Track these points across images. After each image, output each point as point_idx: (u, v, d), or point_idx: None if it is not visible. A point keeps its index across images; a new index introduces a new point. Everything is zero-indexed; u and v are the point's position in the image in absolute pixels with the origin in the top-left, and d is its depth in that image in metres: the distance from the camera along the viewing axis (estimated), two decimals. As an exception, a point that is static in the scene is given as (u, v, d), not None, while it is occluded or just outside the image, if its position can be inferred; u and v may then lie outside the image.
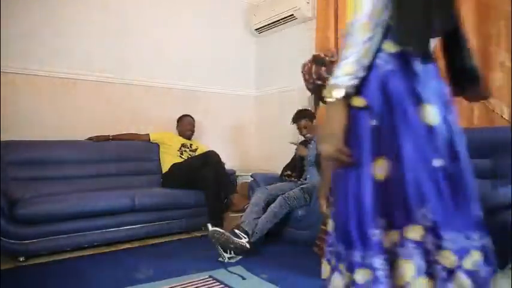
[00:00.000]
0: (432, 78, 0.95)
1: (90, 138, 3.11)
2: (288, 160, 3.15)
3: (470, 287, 0.90)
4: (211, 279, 1.91)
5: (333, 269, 1.00)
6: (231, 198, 3.02)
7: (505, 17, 2.28)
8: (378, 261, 0.90)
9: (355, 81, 0.90)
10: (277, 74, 4.09)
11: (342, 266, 0.96)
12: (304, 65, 1.76)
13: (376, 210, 0.92)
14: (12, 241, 2.22)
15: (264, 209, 2.56)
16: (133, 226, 2.65)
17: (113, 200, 2.57)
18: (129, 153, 3.20)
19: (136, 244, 2.64)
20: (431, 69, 0.96)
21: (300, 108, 3.09)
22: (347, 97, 0.91)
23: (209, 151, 3.06)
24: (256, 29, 4.09)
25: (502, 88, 2.31)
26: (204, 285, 1.84)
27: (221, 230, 2.24)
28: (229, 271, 2.02)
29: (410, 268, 0.89)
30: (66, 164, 2.87)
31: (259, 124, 4.33)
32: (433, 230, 0.90)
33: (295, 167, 3.01)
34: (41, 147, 2.80)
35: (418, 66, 0.93)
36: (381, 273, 0.89)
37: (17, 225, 2.23)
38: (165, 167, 3.20)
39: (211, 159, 2.96)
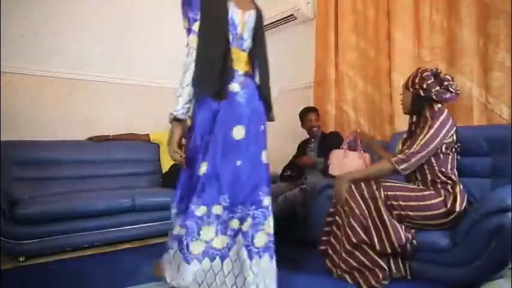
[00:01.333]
0: (250, 104, 1.48)
1: (90, 138, 3.11)
2: (288, 160, 3.15)
3: (243, 241, 1.43)
4: (211, 279, 1.91)
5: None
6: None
7: (505, 17, 2.28)
8: (189, 224, 1.43)
9: (185, 111, 1.44)
10: (277, 74, 4.07)
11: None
12: (424, 70, 1.93)
13: (194, 194, 1.43)
14: (12, 241, 2.22)
15: (264, 209, 2.56)
16: (133, 226, 2.65)
17: (113, 200, 2.57)
18: (129, 153, 3.20)
19: (136, 244, 2.64)
20: (251, 96, 1.50)
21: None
22: (180, 120, 1.46)
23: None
24: (256, 29, 4.09)
25: (502, 88, 2.31)
26: (204, 285, 1.83)
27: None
28: (229, 271, 2.02)
29: (212, 230, 1.46)
30: (66, 164, 2.87)
31: (259, 124, 4.32)
32: (229, 208, 1.46)
33: (295, 167, 3.01)
34: (41, 147, 2.80)
35: (240, 98, 1.46)
36: (191, 231, 1.43)
37: (17, 225, 2.23)
38: (165, 167, 3.20)
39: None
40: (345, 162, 2.44)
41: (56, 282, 1.94)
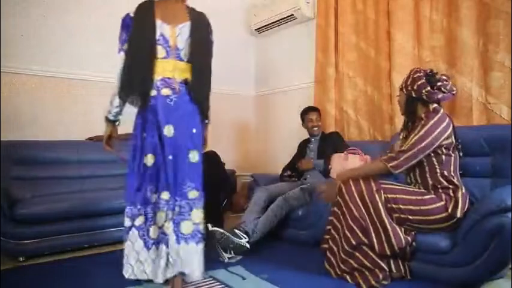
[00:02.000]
0: (179, 107, 1.68)
1: (90, 138, 3.11)
2: (288, 160, 3.15)
3: (172, 226, 1.63)
4: (211, 279, 1.91)
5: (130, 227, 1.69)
6: (231, 198, 3.01)
7: (504, 17, 2.28)
8: (148, 210, 1.67)
9: (115, 114, 1.75)
10: (277, 74, 4.09)
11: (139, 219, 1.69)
12: (416, 71, 1.90)
13: (147, 182, 1.66)
14: (12, 241, 2.22)
15: (264, 209, 2.56)
16: (134, 226, 2.65)
17: (112, 200, 2.56)
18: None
19: (136, 244, 2.63)
20: (182, 100, 1.69)
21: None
22: (110, 121, 1.78)
23: (209, 151, 3.06)
24: (256, 29, 4.09)
25: (502, 88, 2.31)
26: (204, 285, 1.84)
27: (221, 230, 2.23)
28: (229, 271, 2.02)
29: (162, 215, 1.65)
30: (66, 164, 2.86)
31: (259, 124, 4.33)
32: (171, 195, 1.66)
33: (295, 168, 3.01)
34: (41, 147, 2.79)
35: (170, 101, 1.67)
36: (149, 217, 1.67)
37: (17, 225, 2.23)
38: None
39: (211, 159, 2.96)
40: (346, 166, 2.45)
41: (56, 282, 1.94)
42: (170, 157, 1.65)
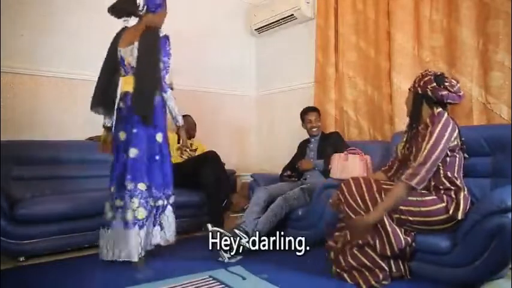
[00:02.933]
0: (127, 115, 2.12)
1: (90, 138, 3.10)
2: (288, 160, 3.15)
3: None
4: (211, 279, 1.91)
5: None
6: (231, 198, 3.01)
7: (504, 17, 2.28)
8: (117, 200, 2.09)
9: (107, 122, 2.29)
10: (277, 74, 4.09)
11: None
12: (426, 74, 1.90)
13: (116, 176, 2.12)
14: (12, 241, 2.22)
15: (264, 209, 2.56)
16: (134, 226, 2.65)
17: (113, 200, 2.56)
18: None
19: (136, 244, 2.63)
20: (129, 109, 2.10)
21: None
22: (109, 128, 2.28)
23: (209, 151, 3.06)
24: (256, 29, 4.09)
25: (502, 88, 2.31)
26: (204, 285, 1.83)
27: (221, 230, 2.23)
28: (229, 271, 2.02)
29: (136, 202, 2.03)
30: (66, 164, 2.86)
31: (259, 124, 4.33)
32: (150, 188, 2.10)
33: (295, 168, 3.01)
34: (41, 147, 2.79)
35: (123, 111, 2.16)
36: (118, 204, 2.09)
37: (17, 225, 2.23)
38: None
39: (211, 159, 2.96)
40: (346, 166, 2.44)
41: (56, 282, 1.94)
42: (125, 156, 2.09)
